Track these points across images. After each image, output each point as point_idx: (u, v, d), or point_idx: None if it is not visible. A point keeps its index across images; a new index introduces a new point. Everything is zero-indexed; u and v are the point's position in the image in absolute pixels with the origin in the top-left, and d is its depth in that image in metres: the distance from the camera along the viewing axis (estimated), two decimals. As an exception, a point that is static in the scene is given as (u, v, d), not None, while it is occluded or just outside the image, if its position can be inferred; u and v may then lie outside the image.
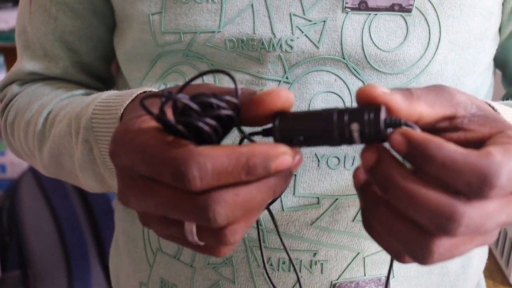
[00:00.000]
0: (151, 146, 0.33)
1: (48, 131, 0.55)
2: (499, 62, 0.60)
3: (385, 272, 0.53)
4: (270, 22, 0.49)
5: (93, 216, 1.59)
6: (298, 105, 0.50)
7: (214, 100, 0.33)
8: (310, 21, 0.48)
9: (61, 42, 0.61)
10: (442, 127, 0.36)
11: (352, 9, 0.48)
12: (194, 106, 0.33)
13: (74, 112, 0.52)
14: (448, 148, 0.31)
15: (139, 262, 0.60)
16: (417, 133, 0.32)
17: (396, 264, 0.53)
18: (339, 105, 0.50)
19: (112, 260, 0.69)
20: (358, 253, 0.52)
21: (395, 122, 0.33)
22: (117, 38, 0.59)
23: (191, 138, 0.33)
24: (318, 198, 0.50)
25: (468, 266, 0.59)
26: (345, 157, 0.50)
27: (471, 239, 0.34)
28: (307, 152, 0.50)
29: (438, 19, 0.49)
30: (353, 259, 0.52)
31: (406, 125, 0.33)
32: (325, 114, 0.33)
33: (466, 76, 0.53)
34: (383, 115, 0.32)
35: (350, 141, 0.33)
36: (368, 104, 0.33)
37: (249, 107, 0.34)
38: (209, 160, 0.31)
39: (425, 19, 0.49)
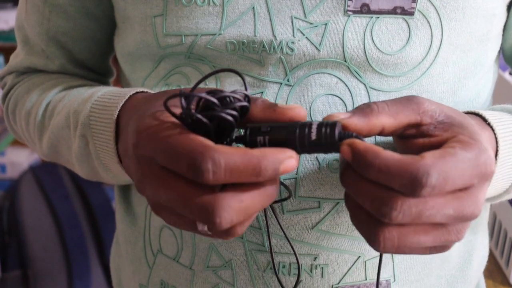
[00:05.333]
0: (174, 139, 0.36)
1: (48, 122, 0.58)
2: (510, 58, 0.60)
3: (386, 276, 0.53)
4: (271, 24, 0.49)
5: (93, 216, 1.59)
6: (300, 108, 0.49)
7: (229, 94, 0.38)
8: (312, 24, 0.48)
9: (55, 42, 0.62)
10: (411, 134, 0.42)
11: (354, 12, 0.48)
12: (215, 100, 0.37)
13: (72, 106, 0.54)
14: (383, 156, 0.36)
15: (138, 264, 0.60)
16: (360, 143, 0.37)
17: (397, 267, 0.53)
18: (341, 107, 0.49)
19: (113, 260, 0.70)
20: (359, 256, 0.52)
21: (347, 135, 0.38)
22: (118, 38, 0.59)
23: (211, 131, 0.38)
24: (319, 201, 0.50)
25: (467, 268, 0.59)
26: (346, 160, 0.50)
27: (424, 229, 0.38)
28: (308, 155, 0.50)
29: (441, 22, 0.49)
30: (354, 263, 0.52)
31: (357, 137, 0.38)
32: (290, 124, 0.38)
33: (468, 78, 0.52)
34: (337, 130, 0.38)
35: (308, 148, 0.38)
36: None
37: (270, 115, 0.39)
38: (223, 157, 0.34)
39: (428, 22, 0.48)
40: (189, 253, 0.55)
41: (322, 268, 0.52)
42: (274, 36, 0.49)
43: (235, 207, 0.35)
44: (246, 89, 0.39)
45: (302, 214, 0.50)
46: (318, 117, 0.49)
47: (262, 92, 0.50)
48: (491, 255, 0.96)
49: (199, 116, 0.37)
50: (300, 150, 0.38)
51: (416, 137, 0.42)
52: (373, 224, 0.38)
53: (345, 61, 0.49)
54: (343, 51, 0.48)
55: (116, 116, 0.49)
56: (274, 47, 0.49)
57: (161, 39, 0.52)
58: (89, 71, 0.67)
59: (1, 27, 1.84)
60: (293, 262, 0.52)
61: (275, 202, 0.47)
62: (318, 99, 0.49)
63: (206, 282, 0.54)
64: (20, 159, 2.03)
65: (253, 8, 0.49)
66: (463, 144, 0.38)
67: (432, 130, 0.41)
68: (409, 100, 0.41)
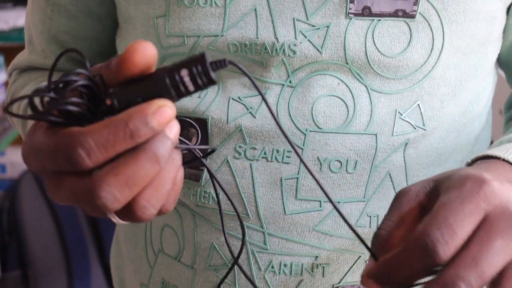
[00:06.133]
0: (44, 143, 0.34)
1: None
2: (504, 63, 0.60)
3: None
4: (273, 26, 0.49)
5: (93, 216, 1.59)
6: (301, 109, 0.50)
7: (65, 78, 0.34)
8: (313, 26, 0.49)
9: (56, 40, 0.63)
10: (421, 217, 0.39)
11: (356, 14, 0.48)
12: (49, 95, 0.34)
13: None
14: (391, 256, 0.35)
15: (139, 263, 0.61)
16: (371, 269, 0.35)
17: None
18: (342, 108, 0.50)
19: (113, 258, 0.70)
20: (360, 256, 0.52)
21: (220, 63, 0.33)
22: (120, 38, 0.59)
23: (72, 122, 0.34)
24: (320, 202, 0.51)
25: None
26: (347, 161, 0.50)
27: None
28: (309, 155, 0.50)
29: (442, 25, 0.49)
30: (355, 262, 0.52)
31: (231, 63, 0.33)
32: (157, 73, 0.34)
33: (468, 80, 0.53)
34: (208, 59, 0.33)
35: (183, 88, 0.33)
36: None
37: (117, 70, 0.34)
38: (90, 137, 0.32)
39: (429, 24, 0.49)
40: (190, 253, 0.55)
41: (323, 267, 0.52)
42: (276, 38, 0.49)
43: (112, 183, 0.32)
44: (86, 67, 0.35)
45: (303, 214, 0.51)
46: (320, 118, 0.50)
47: (264, 93, 0.50)
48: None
49: (43, 117, 0.34)
50: (177, 98, 0.34)
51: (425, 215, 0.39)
52: None
53: (347, 63, 0.49)
54: (345, 54, 0.49)
55: None
56: (276, 49, 0.49)
57: (163, 40, 0.52)
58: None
59: (1, 27, 1.83)
60: (295, 262, 0.52)
61: (186, 163, 0.40)
62: (320, 100, 0.50)
63: (207, 282, 0.55)
64: (20, 159, 2.01)
65: (255, 9, 0.49)
66: (447, 189, 0.37)
67: (431, 202, 0.39)
68: (397, 198, 0.40)
